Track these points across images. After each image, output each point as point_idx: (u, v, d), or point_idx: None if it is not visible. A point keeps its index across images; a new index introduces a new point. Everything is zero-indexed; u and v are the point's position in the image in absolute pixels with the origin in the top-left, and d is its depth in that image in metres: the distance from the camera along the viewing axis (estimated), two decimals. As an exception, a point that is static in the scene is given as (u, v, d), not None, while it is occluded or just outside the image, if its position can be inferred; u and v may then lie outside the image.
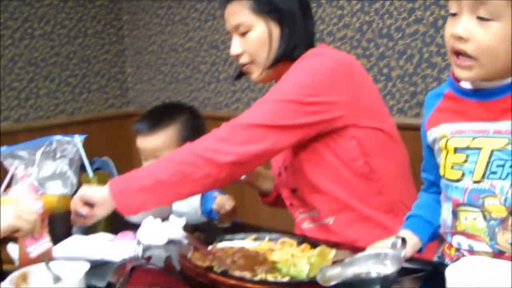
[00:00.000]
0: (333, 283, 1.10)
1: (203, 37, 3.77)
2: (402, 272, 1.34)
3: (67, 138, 2.31)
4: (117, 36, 4.19)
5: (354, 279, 1.12)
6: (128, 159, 3.45)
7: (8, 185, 1.71)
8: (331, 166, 1.69)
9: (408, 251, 1.39)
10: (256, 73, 1.75)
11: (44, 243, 1.32)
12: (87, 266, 1.34)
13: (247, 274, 1.30)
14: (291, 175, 1.77)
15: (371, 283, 1.12)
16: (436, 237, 1.48)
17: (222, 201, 1.88)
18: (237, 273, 1.31)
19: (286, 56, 1.71)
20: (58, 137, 2.32)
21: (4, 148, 2.28)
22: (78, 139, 2.26)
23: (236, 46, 1.73)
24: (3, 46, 3.63)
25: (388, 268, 1.16)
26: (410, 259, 1.39)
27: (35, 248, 1.31)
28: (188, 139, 2.11)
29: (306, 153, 1.71)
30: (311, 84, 1.61)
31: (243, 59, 1.74)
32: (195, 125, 2.15)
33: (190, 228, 1.75)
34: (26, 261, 1.39)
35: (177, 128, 2.10)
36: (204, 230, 1.81)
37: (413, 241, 1.41)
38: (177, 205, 2.00)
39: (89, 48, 4.04)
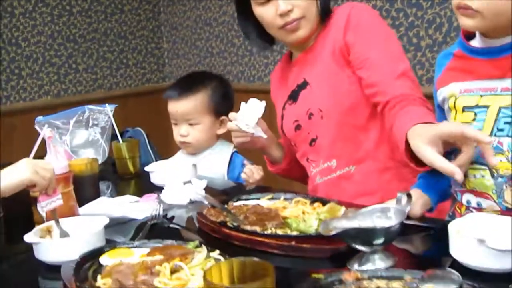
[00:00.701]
0: (334, 232, 1.13)
1: (237, 11, 3.80)
2: (412, 229, 1.38)
3: (98, 108, 2.40)
4: (153, 12, 4.26)
5: (355, 229, 1.15)
6: (163, 133, 3.53)
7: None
8: (364, 114, 1.75)
9: (418, 209, 1.42)
10: (305, 29, 1.77)
11: (56, 200, 1.38)
12: (106, 220, 1.41)
13: (257, 229, 1.35)
14: (317, 121, 1.79)
15: (373, 234, 1.15)
16: (447, 197, 1.50)
17: (251, 171, 1.93)
18: (248, 227, 1.36)
19: (328, 10, 1.79)
20: (90, 106, 2.42)
21: (40, 117, 2.39)
22: (109, 108, 2.35)
23: (286, 3, 1.72)
24: (43, 23, 3.75)
25: (391, 222, 1.19)
26: (420, 218, 1.42)
27: (47, 204, 1.37)
28: (218, 105, 2.17)
29: (346, 98, 1.75)
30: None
31: (295, 14, 1.73)
32: (224, 92, 2.22)
33: (216, 192, 1.81)
34: (50, 218, 1.47)
35: (207, 94, 2.16)
36: (229, 194, 1.85)
37: (423, 201, 1.44)
38: (204, 170, 2.06)
39: (125, 24, 4.13)
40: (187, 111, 2.15)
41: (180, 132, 2.18)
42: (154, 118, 3.93)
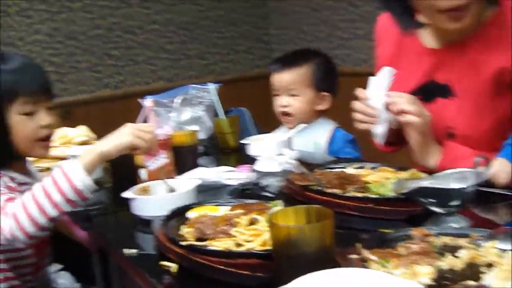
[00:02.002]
0: (405, 191, 1.16)
1: (342, -5, 3.83)
2: (495, 197, 1.37)
3: (203, 87, 2.53)
4: (262, -1, 4.37)
5: (428, 189, 1.17)
6: (270, 117, 3.62)
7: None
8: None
9: (503, 177, 1.40)
10: (470, 18, 1.50)
11: (160, 158, 1.51)
12: (198, 181, 1.51)
13: (337, 191, 1.40)
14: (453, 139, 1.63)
15: (447, 194, 1.17)
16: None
17: None
18: (328, 190, 1.41)
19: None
20: (195, 85, 2.55)
21: (149, 96, 2.55)
22: (213, 87, 2.47)
23: None
24: (155, 11, 3.96)
25: (467, 183, 1.20)
26: (505, 187, 1.40)
27: (152, 163, 1.50)
28: (320, 81, 2.22)
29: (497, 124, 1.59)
30: None
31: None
32: (328, 69, 2.27)
33: (308, 162, 1.86)
34: (153, 177, 1.60)
35: (310, 68, 2.22)
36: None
37: (509, 169, 1.42)
38: (304, 145, 2.13)
39: (235, 11, 4.26)
40: (290, 82, 2.22)
41: (281, 103, 2.25)
42: (262, 102, 4.03)
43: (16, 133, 1.49)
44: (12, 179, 1.52)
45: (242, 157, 2.13)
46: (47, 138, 1.55)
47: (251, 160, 1.95)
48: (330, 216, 0.92)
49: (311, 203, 1.38)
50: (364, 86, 1.58)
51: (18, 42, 3.52)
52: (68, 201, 1.33)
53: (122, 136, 1.44)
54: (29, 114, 1.49)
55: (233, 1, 4.24)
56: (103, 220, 1.58)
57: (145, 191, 1.52)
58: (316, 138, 2.21)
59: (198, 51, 4.14)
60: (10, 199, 1.36)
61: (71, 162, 1.37)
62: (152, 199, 1.46)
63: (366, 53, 3.72)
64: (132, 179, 1.78)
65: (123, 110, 3.67)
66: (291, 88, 2.21)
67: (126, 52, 3.88)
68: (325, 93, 2.22)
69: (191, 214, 1.31)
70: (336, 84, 2.28)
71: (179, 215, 1.32)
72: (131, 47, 3.89)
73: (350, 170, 1.59)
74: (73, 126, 2.48)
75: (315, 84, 2.21)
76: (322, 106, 2.24)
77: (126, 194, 1.46)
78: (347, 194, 1.38)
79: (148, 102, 1.71)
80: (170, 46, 4.03)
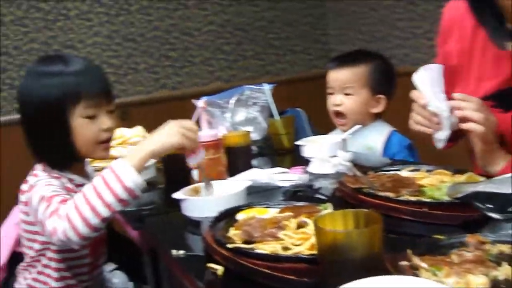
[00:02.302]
0: (461, 195, 1.11)
1: (401, -6, 3.76)
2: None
3: (258, 87, 2.52)
4: (319, -1, 4.33)
5: (485, 193, 1.12)
6: (326, 119, 3.59)
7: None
8: None
9: None
10: None
11: (200, 153, 1.51)
12: (248, 183, 1.50)
13: (390, 194, 1.36)
14: None
15: (505, 198, 1.12)
16: None
17: None
18: (381, 193, 1.37)
19: None
20: (250, 86, 2.54)
21: (204, 97, 2.56)
22: (267, 87, 2.46)
23: None
24: (212, 12, 3.98)
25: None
26: None
27: (193, 159, 1.50)
28: (376, 82, 2.17)
29: None
30: None
31: None
32: (386, 71, 2.21)
33: (362, 165, 1.82)
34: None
35: (367, 68, 2.18)
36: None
37: None
38: (358, 147, 2.09)
39: (291, 12, 4.24)
40: (345, 80, 2.17)
41: (334, 101, 2.21)
42: (319, 103, 4.00)
43: (78, 136, 1.50)
44: (71, 180, 1.54)
45: (296, 159, 2.11)
46: (107, 141, 1.57)
47: (305, 161, 1.92)
48: (379, 221, 0.89)
49: (363, 206, 1.36)
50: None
51: (78, 45, 3.60)
52: (120, 200, 1.34)
53: (170, 136, 1.44)
54: (91, 117, 1.50)
55: (290, 2, 4.22)
56: (155, 221, 1.58)
57: (196, 192, 1.52)
58: (371, 142, 2.16)
59: (255, 52, 4.14)
60: (63, 201, 1.37)
61: (120, 161, 1.37)
62: (202, 200, 1.46)
63: (425, 52, 3.63)
64: (184, 180, 1.78)
65: (180, 110, 3.71)
66: (346, 86, 2.17)
67: (183, 54, 3.91)
68: (381, 96, 2.17)
69: (239, 216, 1.29)
70: (393, 87, 2.23)
71: (227, 216, 1.31)
72: (188, 48, 3.93)
73: (404, 173, 1.55)
74: (130, 126, 2.52)
75: (371, 85, 2.16)
76: (377, 109, 2.18)
77: (176, 195, 1.46)
78: (400, 198, 1.34)
79: (200, 103, 1.71)
80: (227, 47, 4.04)
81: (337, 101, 2.19)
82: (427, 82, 1.47)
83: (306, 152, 2.01)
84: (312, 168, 1.82)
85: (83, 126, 1.49)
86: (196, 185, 1.55)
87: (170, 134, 1.44)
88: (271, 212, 1.30)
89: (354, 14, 4.17)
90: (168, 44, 3.86)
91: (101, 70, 1.63)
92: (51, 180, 1.47)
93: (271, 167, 2.01)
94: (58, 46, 3.57)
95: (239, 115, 2.55)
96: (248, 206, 1.36)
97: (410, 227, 1.27)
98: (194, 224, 1.42)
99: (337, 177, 1.67)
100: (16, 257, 1.73)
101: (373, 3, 3.98)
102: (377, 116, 2.21)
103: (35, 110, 1.50)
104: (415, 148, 2.11)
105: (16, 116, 1.58)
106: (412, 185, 1.38)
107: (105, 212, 1.33)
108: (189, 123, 1.47)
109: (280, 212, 1.26)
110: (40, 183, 1.45)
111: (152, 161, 1.76)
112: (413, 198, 1.34)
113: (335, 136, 2.10)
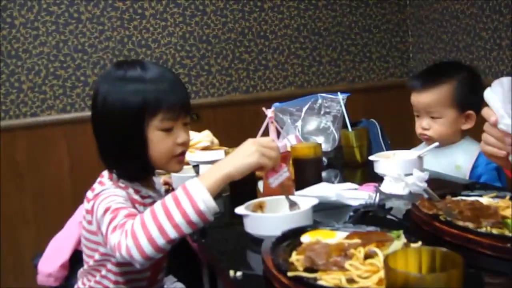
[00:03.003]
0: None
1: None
2: None
3: (331, 96, 2.43)
4: (399, 5, 4.17)
5: None
6: (404, 128, 3.46)
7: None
8: None
9: None
10: None
11: (283, 173, 1.43)
12: (315, 201, 1.41)
13: (470, 225, 1.24)
14: None
15: None
16: None
17: None
18: (460, 223, 1.26)
19: None
20: (323, 95, 2.46)
21: (276, 104, 2.50)
22: (341, 97, 2.37)
23: None
24: (288, 16, 3.90)
25: None
26: None
27: (275, 179, 1.43)
28: (464, 98, 2.04)
29: None
30: None
31: None
32: (472, 85, 2.07)
33: (440, 186, 1.71)
34: (269, 192, 1.52)
35: (452, 86, 2.06)
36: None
37: None
38: (444, 166, 1.97)
39: (370, 17, 4.11)
40: (429, 104, 2.07)
41: (421, 125, 2.11)
42: (395, 112, 3.87)
43: (153, 148, 1.46)
44: (137, 191, 1.50)
45: (368, 174, 2.01)
46: (182, 154, 1.52)
47: (378, 178, 1.82)
48: (459, 264, 0.79)
49: (438, 235, 1.26)
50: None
51: (152, 45, 3.61)
52: (190, 222, 1.27)
53: (248, 156, 1.37)
54: (167, 130, 1.46)
55: (369, 7, 4.10)
56: (215, 233, 1.52)
57: (260, 207, 1.44)
58: (460, 161, 2.04)
59: (330, 58, 4.04)
60: (130, 215, 1.31)
61: (195, 181, 1.31)
62: (264, 218, 1.38)
63: (510, 65, 3.44)
64: (251, 190, 1.72)
65: (253, 114, 3.67)
66: (431, 110, 2.06)
67: (257, 57, 3.86)
68: (470, 111, 2.04)
69: (304, 238, 1.21)
70: (482, 100, 2.09)
71: (291, 237, 1.23)
72: (263, 52, 3.87)
73: (486, 199, 1.43)
74: (199, 130, 2.48)
75: (457, 103, 2.04)
76: (466, 126, 2.06)
77: (239, 210, 1.39)
78: (482, 230, 1.22)
79: (269, 112, 1.63)
80: (301, 52, 3.96)
81: (424, 125, 2.09)
82: (498, 97, 1.33)
83: (378, 168, 1.91)
84: (384, 186, 1.72)
85: (159, 139, 1.45)
86: (261, 199, 1.47)
87: (247, 154, 1.37)
88: (338, 237, 1.21)
89: (436, 21, 4.01)
90: (242, 46, 3.82)
91: (180, 81, 1.55)
92: (117, 191, 1.43)
93: (341, 182, 1.92)
94: (131, 46, 3.58)
95: (310, 124, 2.47)
96: (314, 227, 1.28)
97: (488, 262, 1.16)
98: (256, 242, 1.34)
99: (411, 199, 1.57)
100: (78, 255, 1.72)
101: (456, 10, 3.81)
102: (466, 132, 2.08)
103: (113, 119, 1.44)
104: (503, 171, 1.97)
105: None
106: (493, 216, 1.27)
107: (172, 233, 1.26)
108: (267, 140, 1.40)
109: (348, 237, 1.17)
110: (106, 192, 1.41)
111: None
112: (495, 231, 1.22)
113: (410, 153, 1.99)
